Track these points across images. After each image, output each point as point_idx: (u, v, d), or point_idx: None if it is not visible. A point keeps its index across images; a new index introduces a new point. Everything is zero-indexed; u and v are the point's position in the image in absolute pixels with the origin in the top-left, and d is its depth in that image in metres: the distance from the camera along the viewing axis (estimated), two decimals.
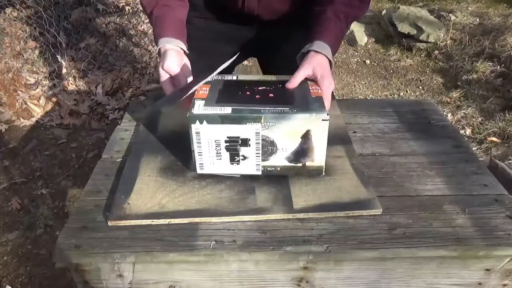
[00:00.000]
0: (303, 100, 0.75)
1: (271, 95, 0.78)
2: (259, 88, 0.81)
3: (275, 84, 0.83)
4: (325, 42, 0.85)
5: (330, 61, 0.85)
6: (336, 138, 0.89)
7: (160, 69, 0.86)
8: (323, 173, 0.79)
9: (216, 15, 1.07)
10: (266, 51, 1.14)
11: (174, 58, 0.86)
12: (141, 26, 3.11)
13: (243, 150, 0.75)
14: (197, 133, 0.73)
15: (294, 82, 0.81)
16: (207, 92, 0.79)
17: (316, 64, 0.83)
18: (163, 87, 0.87)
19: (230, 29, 1.08)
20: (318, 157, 0.76)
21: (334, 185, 0.77)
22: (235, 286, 0.71)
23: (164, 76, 0.86)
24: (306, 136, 0.73)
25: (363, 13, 0.96)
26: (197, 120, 0.71)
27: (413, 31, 3.10)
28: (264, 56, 1.21)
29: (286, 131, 0.72)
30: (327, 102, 0.78)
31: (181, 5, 0.98)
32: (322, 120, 0.71)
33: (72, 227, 0.70)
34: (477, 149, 2.12)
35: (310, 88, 0.81)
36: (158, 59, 0.91)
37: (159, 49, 0.89)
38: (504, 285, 0.73)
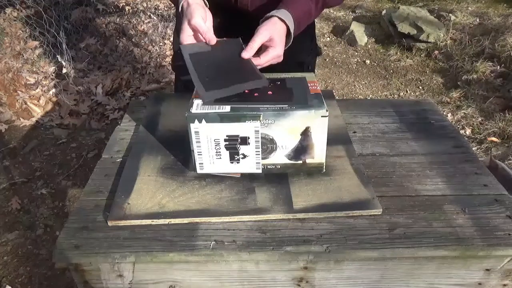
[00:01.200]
0: (302, 97, 0.75)
1: (269, 92, 0.78)
2: None
3: (273, 81, 0.82)
4: (289, 13, 0.86)
5: (288, 33, 0.85)
6: (336, 138, 0.89)
7: (186, 25, 0.83)
8: (324, 170, 0.79)
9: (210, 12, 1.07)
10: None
11: (201, 13, 0.83)
12: (141, 26, 3.12)
13: (242, 149, 0.74)
14: (196, 132, 0.72)
15: (250, 51, 0.82)
16: None
17: (275, 32, 0.83)
18: (183, 42, 0.84)
19: (224, 26, 1.07)
20: (318, 154, 0.76)
21: (334, 185, 0.77)
22: (235, 286, 0.71)
23: (188, 33, 0.83)
24: (305, 133, 0.73)
25: (336, 3, 0.99)
26: (196, 119, 0.71)
27: (413, 31, 3.10)
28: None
29: (286, 129, 0.72)
30: (258, 59, 0.82)
31: None
32: (321, 116, 0.71)
33: (72, 227, 0.70)
34: (477, 149, 2.12)
35: (309, 85, 0.80)
36: (180, 14, 0.87)
37: (182, 5, 0.86)
38: (504, 285, 0.73)
